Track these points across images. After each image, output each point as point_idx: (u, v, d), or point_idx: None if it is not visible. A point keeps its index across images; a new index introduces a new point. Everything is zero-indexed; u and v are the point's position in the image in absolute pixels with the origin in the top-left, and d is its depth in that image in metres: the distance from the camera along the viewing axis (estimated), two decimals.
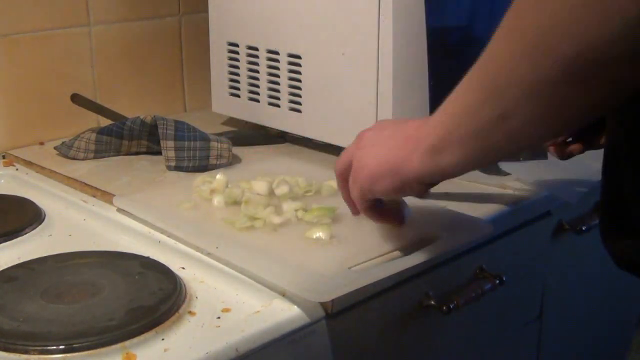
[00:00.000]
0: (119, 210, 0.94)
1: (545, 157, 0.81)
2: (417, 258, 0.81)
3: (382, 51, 0.98)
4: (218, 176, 0.96)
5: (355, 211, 0.81)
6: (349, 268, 0.78)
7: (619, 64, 0.49)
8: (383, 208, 0.80)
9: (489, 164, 0.72)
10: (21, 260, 0.82)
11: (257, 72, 1.16)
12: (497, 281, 0.92)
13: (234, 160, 1.09)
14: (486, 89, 0.58)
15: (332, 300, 0.75)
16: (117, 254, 0.84)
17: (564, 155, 0.89)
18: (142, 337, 0.68)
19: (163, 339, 0.68)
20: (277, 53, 1.12)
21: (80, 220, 0.94)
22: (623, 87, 0.52)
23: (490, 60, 0.57)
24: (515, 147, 0.62)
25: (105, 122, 1.17)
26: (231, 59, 1.20)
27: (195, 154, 1.06)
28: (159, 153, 1.09)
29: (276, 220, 0.87)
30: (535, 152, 0.81)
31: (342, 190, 0.80)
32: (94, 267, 0.80)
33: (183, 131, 1.07)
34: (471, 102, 0.60)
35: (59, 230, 0.92)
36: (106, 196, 0.98)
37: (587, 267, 1.17)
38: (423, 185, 0.72)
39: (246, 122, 1.23)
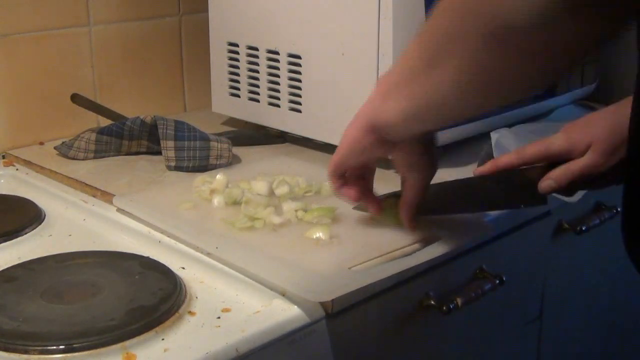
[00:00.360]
0: (119, 210, 0.94)
1: (545, 202, 0.83)
2: (417, 258, 0.81)
3: (382, 51, 0.98)
4: (218, 176, 0.96)
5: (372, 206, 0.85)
6: (349, 268, 0.78)
7: (526, 32, 0.54)
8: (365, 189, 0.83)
9: (435, 122, 0.74)
10: (21, 260, 0.82)
11: (257, 72, 1.16)
12: (497, 281, 0.92)
13: (234, 160, 1.09)
14: (423, 41, 0.65)
15: (332, 300, 0.75)
16: (117, 254, 0.84)
17: (570, 191, 0.84)
18: (142, 337, 0.68)
19: (163, 339, 0.68)
20: (277, 53, 1.12)
21: (80, 220, 0.94)
22: (537, 58, 0.56)
23: (429, 24, 0.65)
24: (448, 109, 0.67)
25: (105, 122, 1.17)
26: (231, 59, 1.20)
27: (195, 154, 1.06)
28: (159, 153, 1.09)
29: (276, 220, 0.87)
30: (535, 200, 0.82)
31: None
32: (94, 267, 0.80)
33: (183, 131, 1.07)
34: (409, 52, 0.67)
35: (59, 230, 0.92)
36: (106, 196, 0.98)
37: (587, 267, 1.17)
38: (381, 139, 0.75)
39: (246, 122, 1.22)
